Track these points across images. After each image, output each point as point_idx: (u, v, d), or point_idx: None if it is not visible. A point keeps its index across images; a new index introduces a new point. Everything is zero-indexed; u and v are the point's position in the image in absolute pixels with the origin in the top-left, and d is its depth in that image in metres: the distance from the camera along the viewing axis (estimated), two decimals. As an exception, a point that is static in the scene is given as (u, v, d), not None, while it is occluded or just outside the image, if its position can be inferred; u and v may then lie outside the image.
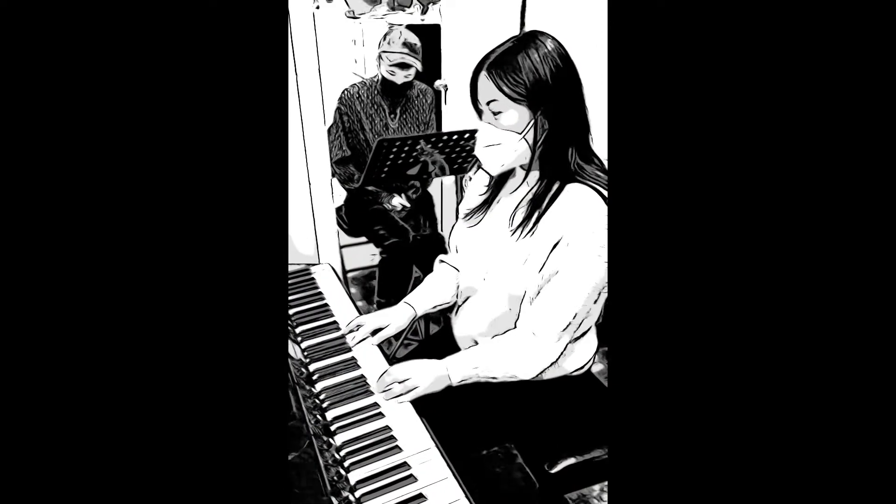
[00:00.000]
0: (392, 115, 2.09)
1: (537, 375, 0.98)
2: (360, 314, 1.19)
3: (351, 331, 1.09)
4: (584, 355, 1.09)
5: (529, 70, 0.86)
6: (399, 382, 0.93)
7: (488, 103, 0.91)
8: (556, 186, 0.93)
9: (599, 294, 0.95)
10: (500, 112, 0.90)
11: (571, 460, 1.03)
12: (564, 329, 0.94)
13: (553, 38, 0.90)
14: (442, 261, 1.21)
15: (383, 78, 2.01)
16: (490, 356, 0.97)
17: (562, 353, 0.98)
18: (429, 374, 0.95)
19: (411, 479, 0.76)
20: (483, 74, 0.90)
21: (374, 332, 1.09)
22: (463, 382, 0.97)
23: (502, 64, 0.88)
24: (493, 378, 0.98)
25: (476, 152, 0.97)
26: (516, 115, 0.90)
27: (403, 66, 1.96)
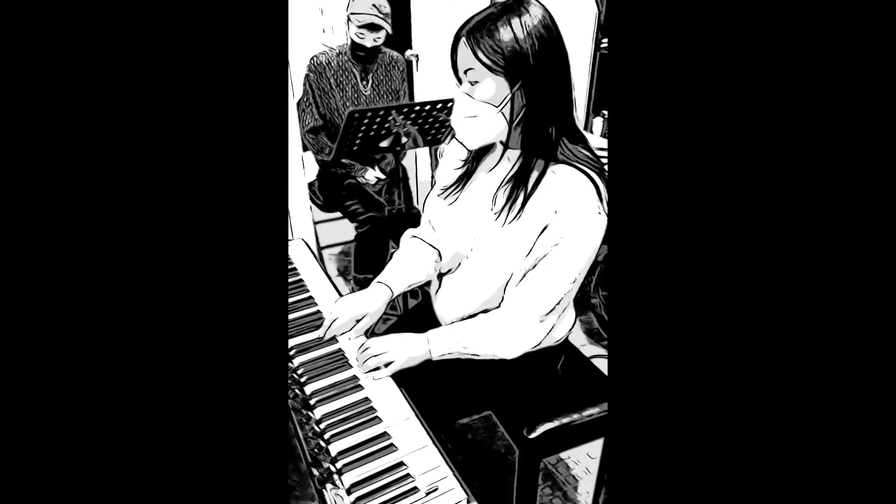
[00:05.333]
0: (364, 82, 2.06)
1: (518, 356, 0.98)
2: (337, 290, 1.17)
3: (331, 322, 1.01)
4: (562, 328, 1.10)
5: (509, 39, 0.81)
6: (375, 356, 0.92)
7: (466, 72, 0.86)
8: (539, 166, 0.90)
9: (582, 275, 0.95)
10: (476, 82, 0.86)
11: (549, 425, 1.05)
12: (549, 312, 0.94)
13: (541, 6, 0.85)
14: (414, 236, 1.17)
15: (353, 42, 1.97)
16: (473, 334, 0.97)
17: (546, 335, 0.98)
18: (407, 349, 0.94)
19: (391, 448, 0.77)
20: (462, 41, 0.85)
21: (357, 321, 1.03)
22: (443, 357, 0.97)
23: (481, 30, 0.83)
24: (475, 356, 0.98)
25: (453, 123, 0.93)
26: (493, 86, 0.85)
27: (373, 27, 1.92)
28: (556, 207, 0.88)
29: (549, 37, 0.84)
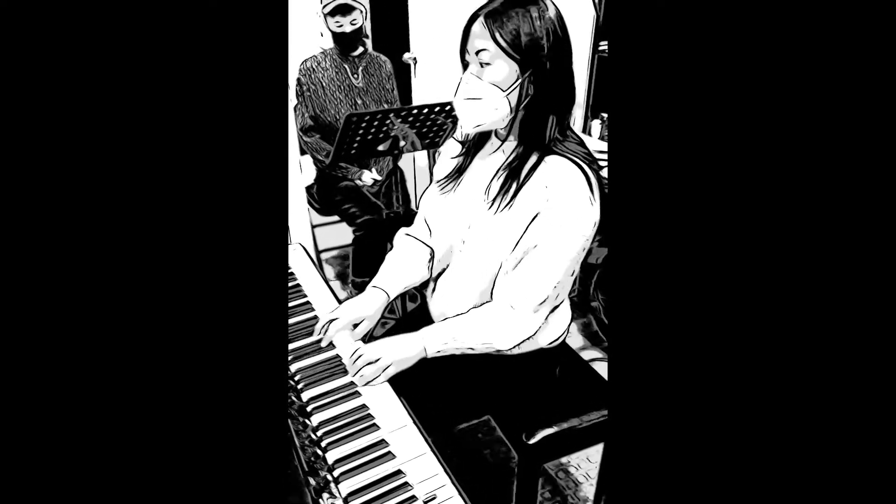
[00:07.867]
0: (355, 75, 2.07)
1: (514, 347, 0.97)
2: (334, 294, 1.17)
3: (327, 325, 1.01)
4: (557, 328, 1.10)
5: (528, 27, 0.84)
6: (371, 363, 0.90)
7: (478, 52, 0.87)
8: (533, 157, 0.91)
9: (575, 268, 0.95)
10: (488, 64, 0.87)
11: (549, 431, 1.05)
12: (542, 302, 0.94)
13: (555, 5, 0.88)
14: (407, 234, 1.16)
15: (334, 35, 1.99)
16: (467, 327, 0.96)
17: (540, 326, 0.98)
18: (401, 350, 0.93)
19: (389, 456, 0.76)
20: (479, 22, 0.86)
21: (354, 326, 1.03)
22: (439, 354, 0.95)
23: (501, 15, 0.85)
24: (471, 349, 0.97)
25: (455, 105, 0.94)
26: (504, 69, 0.87)
27: (344, 9, 1.92)
28: (548, 196, 0.88)
29: (562, 33, 0.88)
